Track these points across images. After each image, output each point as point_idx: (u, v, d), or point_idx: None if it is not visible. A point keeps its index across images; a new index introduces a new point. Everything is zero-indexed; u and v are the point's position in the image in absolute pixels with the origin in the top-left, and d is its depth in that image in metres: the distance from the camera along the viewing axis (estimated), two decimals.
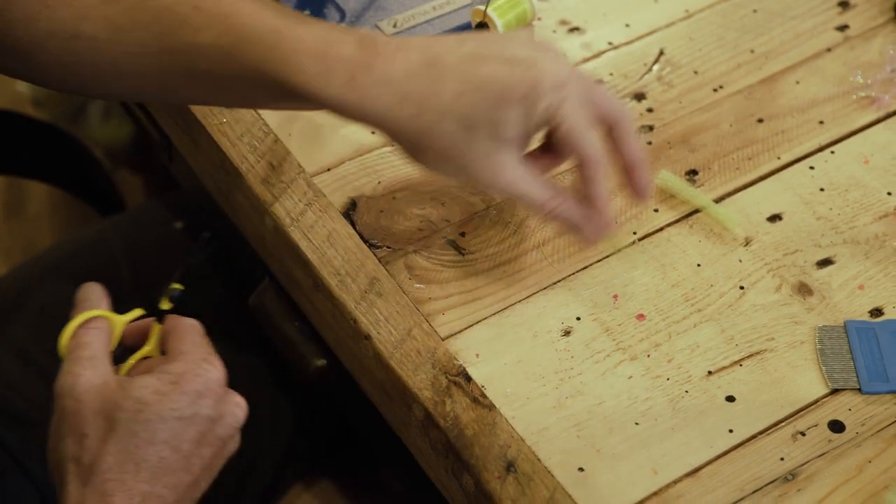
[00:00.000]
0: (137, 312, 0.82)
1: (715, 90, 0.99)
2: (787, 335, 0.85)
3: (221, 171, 0.94)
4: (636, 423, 0.81)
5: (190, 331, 0.80)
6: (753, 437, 0.81)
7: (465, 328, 0.85)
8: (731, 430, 0.81)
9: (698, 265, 0.89)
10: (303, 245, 0.88)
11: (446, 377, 0.82)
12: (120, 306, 0.82)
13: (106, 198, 1.50)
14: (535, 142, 0.82)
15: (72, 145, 1.52)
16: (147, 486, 0.75)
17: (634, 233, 0.90)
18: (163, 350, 0.80)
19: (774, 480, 0.79)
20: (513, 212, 0.90)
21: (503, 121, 0.77)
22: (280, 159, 0.92)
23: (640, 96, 0.99)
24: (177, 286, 0.82)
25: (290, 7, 0.98)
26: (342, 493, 1.09)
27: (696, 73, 1.01)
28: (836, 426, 0.81)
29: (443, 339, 0.84)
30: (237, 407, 0.79)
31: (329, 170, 0.92)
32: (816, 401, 0.82)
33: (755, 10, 1.05)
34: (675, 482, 0.78)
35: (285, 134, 0.93)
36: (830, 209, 0.92)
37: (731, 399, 0.82)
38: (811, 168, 0.95)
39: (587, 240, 0.83)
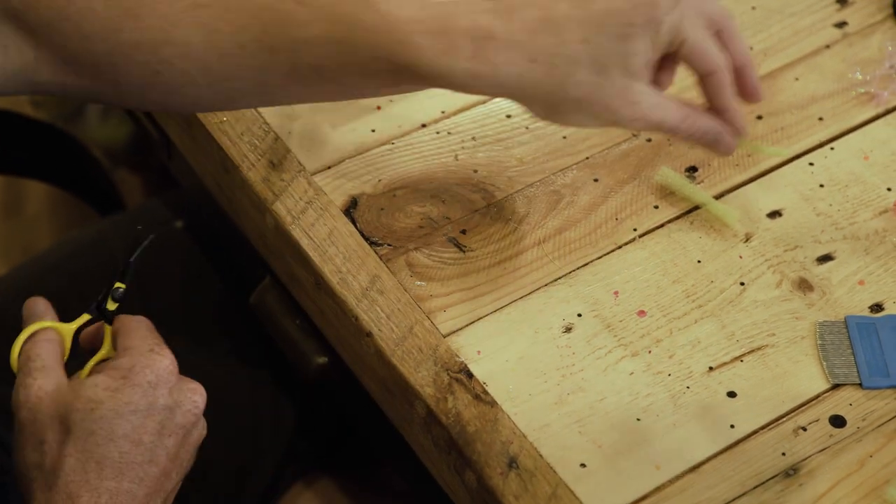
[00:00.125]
0: (84, 318, 0.82)
1: None
2: (787, 331, 0.85)
3: (222, 170, 0.94)
4: (638, 419, 0.81)
5: (137, 326, 0.80)
6: (755, 432, 0.81)
7: (467, 325, 0.85)
8: (732, 426, 0.81)
9: (699, 261, 0.89)
10: (304, 243, 0.88)
11: (448, 374, 0.82)
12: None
13: (105, 197, 1.49)
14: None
15: (71, 145, 1.52)
16: (113, 482, 0.74)
17: (635, 229, 0.90)
18: None
19: (776, 475, 0.79)
20: (513, 209, 0.91)
21: (632, 52, 0.76)
22: (280, 157, 0.92)
23: None
24: (120, 285, 0.82)
25: None
26: (343, 491, 1.09)
27: None
28: (838, 421, 0.81)
29: (444, 336, 0.84)
30: (194, 392, 0.78)
31: (329, 168, 0.92)
32: (817, 396, 0.83)
33: (754, 7, 1.05)
34: (677, 478, 0.79)
35: (285, 132, 0.93)
36: (830, 205, 0.92)
37: (732, 395, 0.82)
38: (811, 164, 0.95)
39: (727, 149, 0.83)
